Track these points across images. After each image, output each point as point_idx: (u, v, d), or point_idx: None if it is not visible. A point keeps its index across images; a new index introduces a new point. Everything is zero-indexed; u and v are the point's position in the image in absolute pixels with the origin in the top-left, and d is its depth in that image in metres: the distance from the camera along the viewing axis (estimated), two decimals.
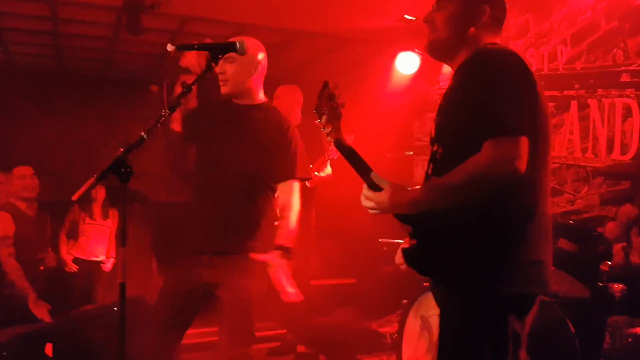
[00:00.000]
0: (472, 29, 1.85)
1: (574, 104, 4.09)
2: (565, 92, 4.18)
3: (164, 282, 2.83)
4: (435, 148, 1.81)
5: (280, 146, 2.64)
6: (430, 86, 5.82)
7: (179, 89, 2.56)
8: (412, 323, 3.55)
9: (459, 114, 1.73)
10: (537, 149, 1.64)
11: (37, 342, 3.68)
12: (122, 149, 1.80)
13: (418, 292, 3.53)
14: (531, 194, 1.68)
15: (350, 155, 1.81)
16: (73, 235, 5.33)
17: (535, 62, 4.45)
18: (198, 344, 4.65)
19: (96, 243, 5.37)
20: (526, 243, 1.66)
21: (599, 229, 3.77)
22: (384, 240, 4.74)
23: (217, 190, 2.68)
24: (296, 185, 2.67)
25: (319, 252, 5.57)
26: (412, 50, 5.47)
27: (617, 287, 2.89)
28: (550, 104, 4.26)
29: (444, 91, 1.86)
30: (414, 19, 5.28)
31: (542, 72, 4.38)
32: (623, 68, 3.75)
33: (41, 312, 4.22)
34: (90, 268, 5.30)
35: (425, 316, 3.46)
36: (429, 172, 1.82)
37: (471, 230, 1.65)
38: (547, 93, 4.55)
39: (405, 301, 3.64)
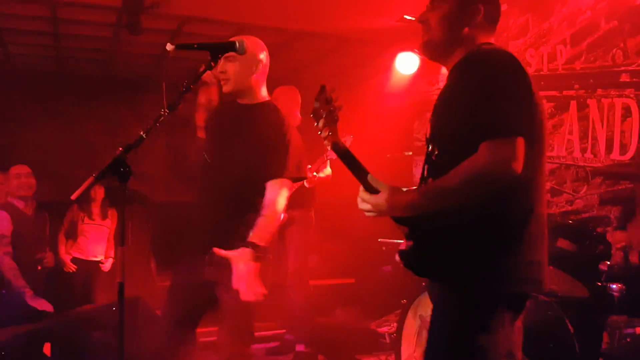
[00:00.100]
0: (466, 29, 1.85)
1: (573, 104, 4.09)
2: (564, 92, 4.19)
3: (171, 282, 2.84)
4: (430, 148, 1.81)
5: (275, 145, 2.61)
6: (430, 86, 5.82)
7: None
8: (411, 323, 3.56)
9: (454, 114, 1.73)
10: (533, 149, 1.64)
11: (35, 342, 3.68)
12: (121, 149, 1.80)
13: (417, 292, 3.53)
14: (527, 194, 1.69)
15: (347, 158, 1.81)
16: (72, 235, 5.33)
17: (534, 62, 4.45)
18: (198, 343, 4.65)
19: (95, 243, 5.37)
20: (522, 243, 1.67)
21: (598, 229, 3.77)
22: (383, 240, 4.74)
23: (217, 190, 2.70)
24: (284, 185, 2.60)
25: (319, 252, 5.57)
26: (412, 50, 5.47)
27: (616, 287, 2.89)
28: (550, 104, 4.27)
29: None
30: (413, 19, 5.27)
31: (541, 72, 4.38)
32: (622, 68, 3.76)
33: (41, 304, 4.23)
34: (89, 268, 5.30)
35: (424, 316, 3.46)
36: (425, 173, 1.83)
37: (467, 230, 1.65)
38: (546, 93, 4.57)
39: (404, 301, 3.64)
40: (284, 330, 4.88)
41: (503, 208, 1.63)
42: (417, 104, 5.98)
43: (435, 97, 1.87)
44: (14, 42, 6.17)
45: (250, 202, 2.65)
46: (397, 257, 1.82)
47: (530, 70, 4.61)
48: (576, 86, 4.08)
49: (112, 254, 5.41)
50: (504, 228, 1.66)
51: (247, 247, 2.43)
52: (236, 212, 2.65)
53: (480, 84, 1.65)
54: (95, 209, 5.38)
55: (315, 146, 4.18)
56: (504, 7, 5.19)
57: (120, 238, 1.87)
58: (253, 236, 2.46)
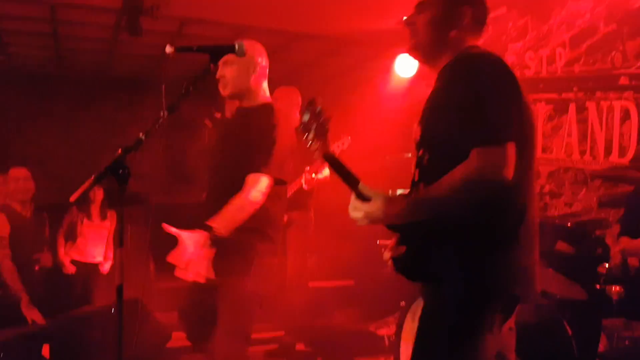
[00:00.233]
0: (453, 32, 1.85)
1: (572, 107, 4.10)
2: (563, 95, 4.19)
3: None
4: (420, 153, 1.81)
5: (259, 143, 2.62)
6: (429, 88, 5.82)
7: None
8: (410, 325, 3.55)
9: (443, 120, 1.73)
10: (523, 153, 1.65)
11: (34, 343, 3.68)
12: (120, 151, 1.80)
13: (416, 294, 3.53)
14: (518, 198, 1.69)
15: (338, 167, 1.81)
16: (71, 236, 5.32)
17: (533, 64, 4.45)
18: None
19: (94, 244, 5.36)
20: (513, 246, 1.67)
21: (597, 232, 3.77)
22: (382, 242, 4.74)
23: (216, 192, 2.74)
24: (261, 179, 2.56)
25: (317, 253, 5.57)
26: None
27: (615, 289, 2.89)
28: (549, 107, 4.27)
29: None
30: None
31: (540, 75, 4.39)
32: (621, 71, 3.76)
33: (33, 314, 4.22)
34: (88, 269, 5.29)
35: None
36: (416, 178, 1.82)
37: (459, 234, 1.65)
38: (545, 96, 4.57)
39: (403, 303, 3.64)
40: (282, 332, 4.87)
41: (494, 212, 1.63)
42: (416, 106, 5.97)
43: None
44: (14, 43, 6.17)
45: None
46: (385, 256, 1.82)
47: (529, 73, 4.64)
48: (575, 89, 4.08)
49: (111, 255, 5.40)
50: (495, 232, 1.66)
51: (204, 229, 2.40)
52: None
53: (468, 90, 1.65)
54: (95, 211, 5.38)
55: None
56: (502, 10, 5.23)
57: (119, 240, 1.87)
58: (213, 221, 2.44)
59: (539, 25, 4.44)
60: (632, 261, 3.16)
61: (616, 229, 3.66)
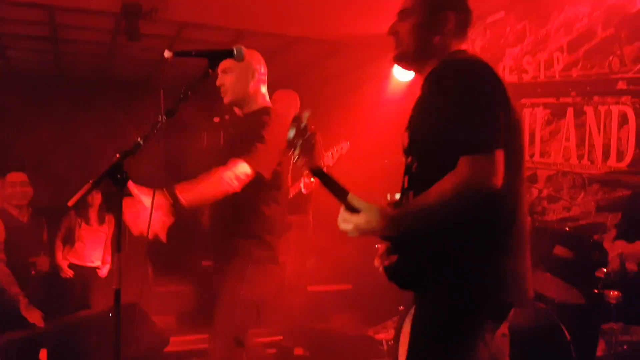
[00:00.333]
0: (437, 38, 1.84)
1: (570, 111, 4.10)
2: (561, 99, 4.20)
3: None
4: (409, 160, 1.81)
5: (250, 139, 2.62)
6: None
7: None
8: (408, 330, 3.54)
9: (430, 127, 1.72)
10: (511, 159, 1.64)
11: (31, 348, 3.67)
12: (118, 155, 1.80)
13: (414, 298, 3.52)
14: (508, 204, 1.68)
15: (326, 180, 1.80)
16: (69, 240, 5.31)
17: (531, 69, 4.46)
18: (191, 350, 4.65)
19: (92, 248, 5.35)
20: (504, 252, 1.67)
21: (595, 236, 3.78)
22: (380, 246, 4.74)
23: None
24: (239, 164, 2.52)
25: (316, 257, 5.57)
26: None
27: (613, 294, 2.89)
28: (547, 111, 4.28)
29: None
30: None
31: (538, 79, 4.40)
32: (619, 75, 3.77)
33: (33, 316, 4.21)
34: (85, 274, 5.28)
35: None
36: (405, 185, 1.81)
37: (449, 241, 1.65)
38: (543, 100, 4.57)
39: (401, 308, 3.64)
40: (281, 337, 4.87)
41: (484, 218, 1.63)
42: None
43: None
44: (13, 47, 6.17)
45: (243, 209, 2.67)
46: (375, 263, 1.82)
47: (527, 77, 4.65)
48: (573, 93, 4.09)
49: (109, 259, 5.39)
50: (485, 238, 1.65)
51: (165, 189, 2.34)
52: (230, 219, 2.69)
53: (454, 97, 1.64)
54: (93, 215, 5.37)
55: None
56: (500, 14, 5.24)
57: (117, 244, 1.87)
58: (178, 185, 2.37)
59: (536, 29, 4.45)
60: (630, 266, 3.16)
61: (614, 233, 3.67)
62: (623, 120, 3.72)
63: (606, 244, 3.46)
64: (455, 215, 1.60)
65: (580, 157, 4.02)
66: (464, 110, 1.61)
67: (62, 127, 7.36)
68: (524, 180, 1.79)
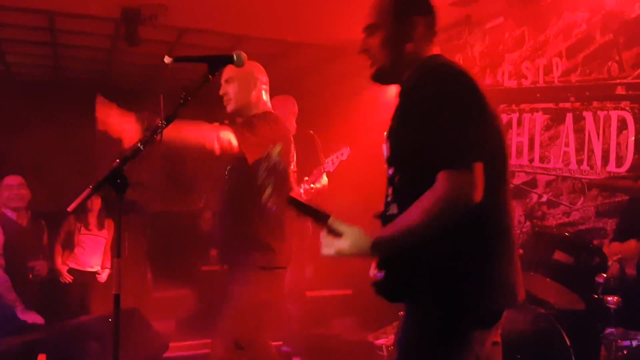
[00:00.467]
0: (409, 45, 1.81)
1: (569, 116, 4.11)
2: (560, 105, 4.20)
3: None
4: (392, 172, 1.79)
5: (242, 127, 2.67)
6: None
7: None
8: None
9: (409, 141, 1.70)
10: (494, 165, 1.64)
11: (30, 353, 3.66)
12: (118, 160, 1.80)
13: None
14: (492, 211, 1.66)
15: (303, 209, 1.81)
16: (68, 245, 5.31)
17: (530, 74, 4.47)
18: (191, 356, 4.63)
19: (91, 253, 5.35)
20: (491, 258, 1.66)
21: (595, 241, 3.77)
22: None
23: (220, 206, 2.90)
24: (227, 132, 2.54)
25: (315, 262, 5.56)
26: None
27: (613, 299, 2.88)
28: (546, 116, 4.29)
29: None
30: None
31: (537, 85, 4.40)
32: (618, 81, 3.78)
33: (31, 317, 4.20)
34: (85, 279, 5.28)
35: None
36: (389, 197, 1.79)
37: (436, 252, 1.63)
38: (542, 105, 4.58)
39: (401, 313, 3.63)
40: (280, 342, 4.86)
41: (469, 227, 1.60)
42: None
43: None
44: (12, 52, 6.18)
45: (244, 215, 2.69)
46: (371, 273, 1.80)
47: (526, 83, 4.66)
48: (572, 98, 4.10)
49: (108, 264, 5.39)
50: (471, 246, 1.64)
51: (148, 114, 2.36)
52: (232, 224, 2.72)
53: (430, 111, 1.62)
54: (92, 220, 5.37)
55: (311, 157, 4.19)
56: (499, 20, 5.25)
57: (116, 249, 1.87)
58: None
59: (535, 35, 4.46)
60: (630, 271, 3.16)
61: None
62: (622, 125, 3.72)
63: (606, 249, 3.46)
64: (438, 231, 1.58)
65: (579, 162, 4.02)
66: (439, 124, 1.58)
67: (61, 132, 7.36)
68: (509, 184, 1.77)
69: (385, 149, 1.83)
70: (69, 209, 1.72)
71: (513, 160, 4.63)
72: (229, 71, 2.83)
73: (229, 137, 2.53)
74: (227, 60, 2.15)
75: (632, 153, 3.64)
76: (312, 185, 4.32)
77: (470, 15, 5.01)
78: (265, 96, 2.93)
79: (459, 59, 5.30)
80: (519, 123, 4.56)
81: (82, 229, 5.32)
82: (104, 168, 1.80)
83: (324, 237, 1.73)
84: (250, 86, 2.83)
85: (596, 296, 2.99)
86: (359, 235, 1.67)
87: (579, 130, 4.04)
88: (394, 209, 1.74)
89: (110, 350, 1.81)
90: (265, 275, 2.69)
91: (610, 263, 3.11)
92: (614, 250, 3.28)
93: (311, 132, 4.62)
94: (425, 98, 1.65)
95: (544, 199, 4.30)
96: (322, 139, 4.62)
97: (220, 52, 2.21)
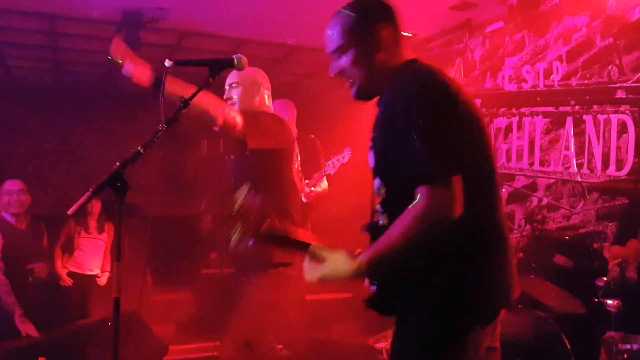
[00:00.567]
0: (379, 56, 1.78)
1: (569, 120, 4.11)
2: (560, 108, 4.21)
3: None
4: (378, 184, 1.77)
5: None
6: None
7: None
8: None
9: (389, 152, 1.69)
10: (479, 170, 1.63)
11: (30, 356, 3.66)
12: (118, 164, 1.80)
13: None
14: (480, 217, 1.65)
15: (280, 241, 1.79)
16: (68, 248, 5.30)
17: (531, 78, 4.48)
18: (191, 359, 4.63)
19: (91, 257, 5.34)
20: (481, 264, 1.64)
21: (595, 245, 3.77)
22: None
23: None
24: (235, 111, 2.65)
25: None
26: None
27: (613, 302, 2.88)
28: (546, 120, 4.29)
29: None
30: (410, 35, 5.32)
31: (537, 89, 4.41)
32: (618, 85, 3.78)
33: (26, 327, 4.20)
34: (85, 282, 5.26)
35: None
36: (380, 208, 1.78)
37: (426, 263, 1.62)
38: (543, 109, 4.58)
39: None
40: (280, 346, 4.85)
41: (457, 235, 1.58)
42: None
43: None
44: (13, 56, 6.19)
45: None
46: (366, 284, 1.78)
47: (526, 87, 4.66)
48: (572, 102, 4.10)
49: (108, 268, 5.38)
50: (460, 254, 1.63)
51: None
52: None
53: (406, 123, 1.60)
54: (92, 223, 5.36)
55: (312, 161, 4.20)
56: (499, 24, 5.26)
57: (116, 253, 1.87)
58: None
59: (536, 39, 4.46)
60: (630, 274, 3.16)
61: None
62: (622, 129, 3.73)
63: (606, 253, 3.46)
64: (422, 248, 1.57)
65: (579, 166, 4.02)
66: (415, 138, 1.56)
67: (62, 136, 7.37)
68: (499, 187, 1.75)
69: (370, 158, 1.80)
70: (69, 212, 1.72)
71: (513, 164, 4.63)
72: (233, 76, 2.94)
73: (236, 116, 2.59)
74: (228, 63, 2.16)
75: (632, 156, 3.64)
76: (312, 189, 4.32)
77: (471, 19, 5.02)
78: (267, 101, 3.03)
79: (459, 63, 5.31)
80: (519, 126, 4.56)
81: (82, 232, 5.32)
82: (104, 171, 1.80)
83: (306, 264, 1.71)
84: (254, 91, 2.94)
85: (596, 300, 2.99)
86: (342, 260, 1.65)
87: (579, 134, 4.04)
88: (385, 219, 1.73)
89: (109, 353, 1.81)
90: (278, 275, 2.73)
91: (610, 266, 3.11)
92: (614, 254, 3.28)
93: (312, 136, 4.63)
94: (400, 111, 1.63)
95: (544, 202, 4.30)
96: (323, 142, 4.62)
97: (221, 56, 2.22)
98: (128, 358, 3.53)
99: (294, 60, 6.17)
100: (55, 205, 4.49)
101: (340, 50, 1.82)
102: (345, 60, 1.81)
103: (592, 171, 3.92)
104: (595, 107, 3.93)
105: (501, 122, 4.73)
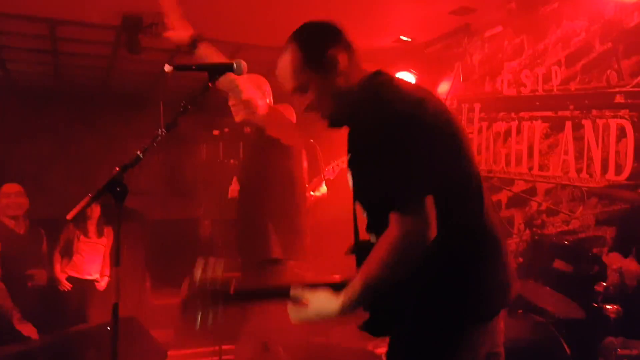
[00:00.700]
0: (339, 79, 1.77)
1: (568, 125, 4.12)
2: (559, 113, 4.21)
3: None
4: (359, 206, 1.77)
5: None
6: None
7: None
8: None
9: (359, 177, 1.70)
10: (457, 180, 1.63)
11: None
12: (117, 168, 1.80)
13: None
14: (467, 226, 1.65)
15: (260, 294, 1.80)
16: (67, 253, 5.30)
17: (529, 82, 4.48)
18: None
19: (90, 261, 5.33)
20: (472, 274, 1.65)
21: (594, 250, 3.77)
22: None
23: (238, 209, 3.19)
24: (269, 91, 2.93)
25: (314, 270, 5.55)
26: (408, 70, 5.51)
27: (612, 308, 2.88)
28: (545, 125, 4.29)
29: None
30: (409, 40, 5.33)
31: (536, 93, 4.42)
32: (617, 89, 3.78)
33: (27, 329, 4.19)
34: (84, 287, 5.26)
35: None
36: (359, 230, 1.80)
37: (415, 278, 1.61)
38: (541, 113, 4.58)
39: None
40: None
41: (445, 250, 1.59)
42: None
43: None
44: (13, 60, 6.19)
45: (255, 213, 2.79)
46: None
47: (525, 91, 4.66)
48: (571, 107, 4.11)
49: (107, 272, 5.37)
50: (451, 261, 1.63)
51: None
52: (247, 224, 2.84)
53: (369, 151, 1.60)
54: (91, 227, 5.36)
55: (311, 166, 4.19)
56: (498, 29, 5.26)
57: (116, 258, 1.86)
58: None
59: (534, 43, 4.47)
60: (630, 279, 3.16)
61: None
62: (621, 133, 3.73)
63: (605, 258, 3.46)
64: (402, 274, 1.57)
65: (578, 171, 4.03)
66: (380, 166, 1.56)
67: (61, 140, 7.38)
68: (480, 189, 1.73)
69: (349, 179, 1.79)
70: (68, 216, 1.72)
71: (512, 168, 4.64)
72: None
73: (269, 95, 2.96)
74: (227, 68, 2.16)
75: (631, 161, 3.64)
76: (311, 193, 4.32)
77: (470, 24, 5.03)
78: (268, 107, 3.14)
79: (458, 68, 5.32)
80: (518, 131, 4.57)
81: (81, 236, 5.31)
82: (104, 175, 1.80)
83: (290, 307, 1.70)
84: (258, 98, 3.02)
85: (596, 305, 2.99)
86: (325, 301, 1.65)
87: (578, 139, 4.04)
88: (373, 238, 1.73)
89: (108, 359, 1.80)
90: (292, 276, 2.80)
91: (609, 272, 3.10)
92: (613, 260, 3.27)
93: (311, 140, 4.63)
94: (358, 140, 1.65)
95: (544, 207, 4.30)
96: (322, 147, 4.62)
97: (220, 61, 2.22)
98: None
99: None
100: (54, 209, 4.48)
101: (300, 89, 1.81)
102: (309, 96, 1.80)
103: (591, 176, 3.93)
104: (594, 112, 3.93)
105: (500, 126, 4.74)
